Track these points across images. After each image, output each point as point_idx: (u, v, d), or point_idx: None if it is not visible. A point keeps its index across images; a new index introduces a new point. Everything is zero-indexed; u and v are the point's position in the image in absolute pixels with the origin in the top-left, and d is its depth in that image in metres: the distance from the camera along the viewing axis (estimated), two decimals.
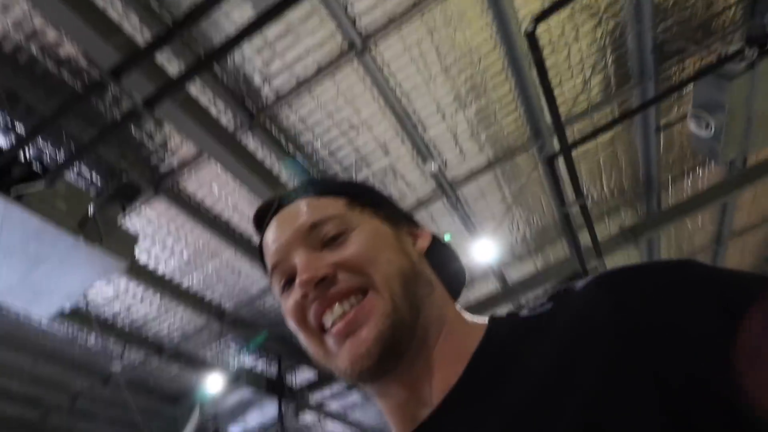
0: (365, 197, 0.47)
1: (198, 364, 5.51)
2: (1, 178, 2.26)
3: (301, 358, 5.84)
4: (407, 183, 3.97)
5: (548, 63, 2.63)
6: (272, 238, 0.45)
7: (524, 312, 0.40)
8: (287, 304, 0.42)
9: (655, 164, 4.34)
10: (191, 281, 4.39)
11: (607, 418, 0.27)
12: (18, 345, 4.60)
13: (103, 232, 2.71)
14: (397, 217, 0.48)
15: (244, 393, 5.47)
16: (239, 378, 4.55)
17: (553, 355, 0.32)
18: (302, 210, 0.44)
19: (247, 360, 5.55)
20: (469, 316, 0.44)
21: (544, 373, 0.32)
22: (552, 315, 0.36)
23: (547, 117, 3.54)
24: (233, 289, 4.63)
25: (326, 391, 6.47)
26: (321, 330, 0.39)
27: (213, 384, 4.36)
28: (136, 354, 4.99)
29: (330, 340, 0.38)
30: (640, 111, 3.30)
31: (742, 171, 4.38)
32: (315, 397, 6.16)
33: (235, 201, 3.66)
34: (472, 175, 4.02)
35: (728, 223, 5.43)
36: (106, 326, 4.49)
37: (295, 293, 0.40)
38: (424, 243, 0.47)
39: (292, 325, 0.42)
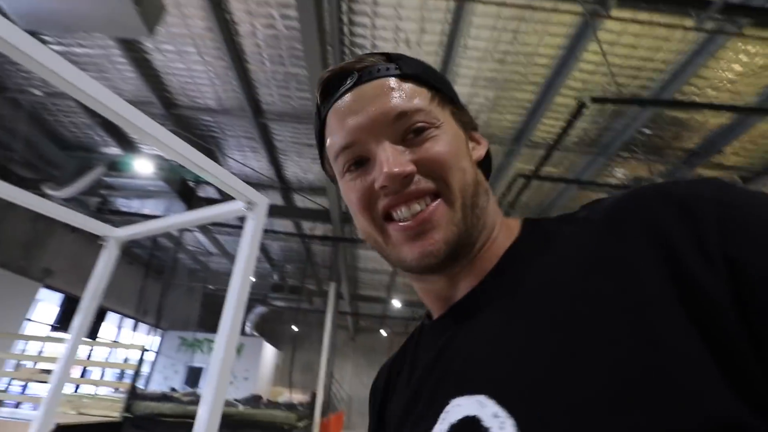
0: (448, 92, 0.44)
1: (114, 132, 5.23)
2: None
3: None
4: None
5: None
6: (348, 114, 0.40)
7: (556, 216, 0.40)
8: (353, 185, 0.41)
9: None
10: (172, 75, 4.09)
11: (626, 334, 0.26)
12: None
13: None
14: (466, 120, 0.45)
15: (145, 182, 5.52)
16: (161, 170, 4.66)
17: (579, 260, 0.32)
18: (388, 92, 0.40)
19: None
20: (506, 219, 0.44)
21: (569, 276, 0.32)
22: (584, 221, 0.35)
23: (530, 138, 4.37)
24: (194, 91, 4.47)
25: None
26: (385, 219, 0.39)
27: (141, 165, 4.38)
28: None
29: (396, 232, 0.38)
30: None
31: None
32: None
33: None
34: None
35: None
36: None
37: (374, 181, 0.39)
38: (481, 151, 0.45)
39: (353, 206, 0.41)
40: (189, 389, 8.00)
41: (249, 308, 12.23)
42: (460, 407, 0.33)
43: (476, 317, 0.37)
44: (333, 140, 0.42)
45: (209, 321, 10.94)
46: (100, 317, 8.63)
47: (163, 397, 3.76)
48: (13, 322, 6.56)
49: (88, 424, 3.25)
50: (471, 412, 0.31)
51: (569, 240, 0.35)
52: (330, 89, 0.44)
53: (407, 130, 0.39)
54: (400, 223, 0.38)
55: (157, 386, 8.78)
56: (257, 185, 6.12)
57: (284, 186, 5.99)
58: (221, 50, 3.83)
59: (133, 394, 3.54)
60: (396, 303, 10.76)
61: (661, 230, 0.29)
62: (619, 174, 4.60)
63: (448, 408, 0.34)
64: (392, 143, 0.39)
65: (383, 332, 14.69)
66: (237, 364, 10.71)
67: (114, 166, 4.78)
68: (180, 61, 4.09)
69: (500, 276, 0.38)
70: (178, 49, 3.94)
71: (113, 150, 5.62)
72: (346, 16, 3.44)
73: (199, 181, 5.20)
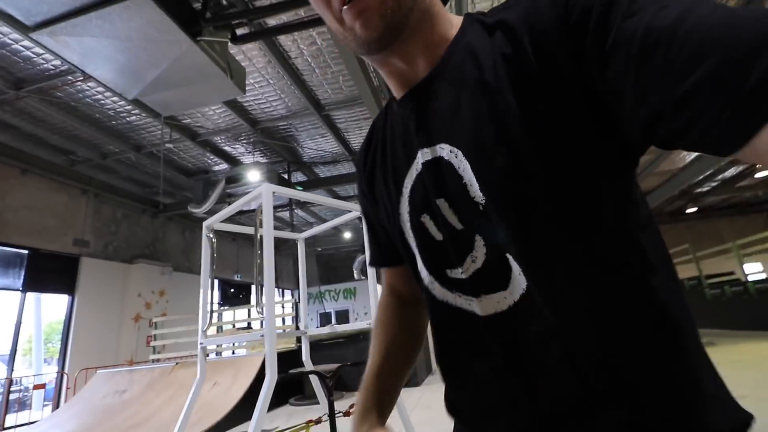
0: None
1: (220, 153, 6.70)
2: (194, 23, 2.96)
3: (299, 166, 7.37)
4: None
5: None
6: None
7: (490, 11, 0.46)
8: None
9: None
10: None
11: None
12: (69, 109, 5.20)
13: (231, 67, 3.59)
14: None
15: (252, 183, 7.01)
16: (263, 172, 6.00)
17: (503, 40, 0.40)
18: None
19: (261, 159, 6.90)
20: (451, 15, 0.50)
21: (496, 55, 0.40)
22: (507, 9, 0.42)
23: None
24: (269, 107, 5.59)
25: (310, 194, 8.35)
26: (340, 9, 0.44)
27: (252, 175, 5.76)
28: (174, 134, 5.96)
29: (347, 17, 0.43)
30: None
31: None
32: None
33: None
34: None
35: None
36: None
37: None
38: None
39: (318, 8, 0.46)
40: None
41: (352, 258, 14.22)
42: (426, 152, 0.46)
43: (430, 95, 0.47)
44: None
45: (324, 276, 13.12)
46: (247, 289, 11.10)
47: None
48: (195, 305, 9.02)
49: (283, 351, 4.95)
50: (436, 154, 0.45)
51: (498, 25, 0.42)
52: None
53: None
54: (348, 9, 0.43)
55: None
56: (333, 162, 7.31)
57: (353, 157, 7.06)
58: (281, 72, 4.82)
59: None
60: None
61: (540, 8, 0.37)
62: None
63: (417, 155, 0.48)
64: None
65: None
66: (356, 304, 12.88)
67: (231, 180, 6.26)
68: (254, 90, 5.18)
69: (445, 63, 0.46)
70: (251, 83, 5.01)
71: (222, 166, 7.17)
72: None
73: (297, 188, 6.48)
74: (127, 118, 5.64)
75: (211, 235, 1.99)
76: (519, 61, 0.38)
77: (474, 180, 0.41)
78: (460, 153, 0.42)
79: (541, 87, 0.37)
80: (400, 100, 0.51)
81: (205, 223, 1.96)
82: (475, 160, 0.41)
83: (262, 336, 1.52)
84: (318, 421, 1.83)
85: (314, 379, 2.36)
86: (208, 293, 1.88)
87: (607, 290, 0.38)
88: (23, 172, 6.13)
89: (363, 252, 13.85)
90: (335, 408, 1.60)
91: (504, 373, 0.42)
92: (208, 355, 1.82)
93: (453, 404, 0.51)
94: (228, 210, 1.91)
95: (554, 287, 0.39)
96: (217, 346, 6.29)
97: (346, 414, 1.77)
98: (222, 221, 2.18)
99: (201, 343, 1.84)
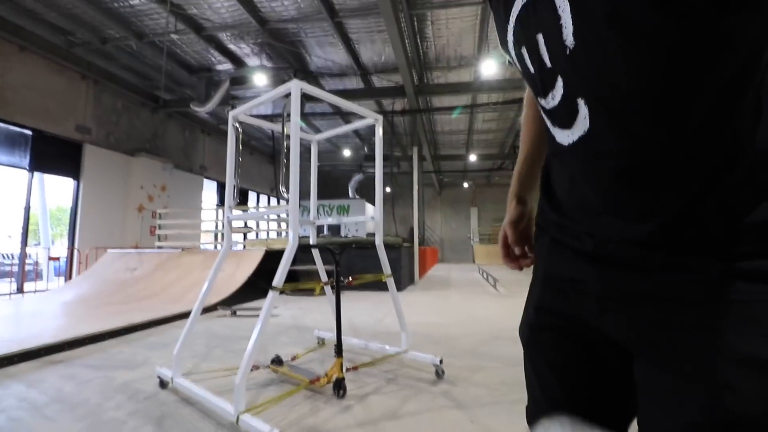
0: None
1: (224, 51, 6.50)
2: None
3: (305, 75, 7.22)
4: None
5: None
6: None
7: None
8: None
9: None
10: None
11: None
12: None
13: None
14: None
15: (256, 90, 6.91)
16: (269, 76, 5.94)
17: None
18: None
19: (267, 63, 6.73)
20: None
21: None
22: None
23: None
24: (279, 6, 5.35)
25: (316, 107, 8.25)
26: None
27: (258, 78, 5.70)
28: (179, 25, 5.74)
29: None
30: None
31: None
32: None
33: None
34: None
35: None
36: None
37: None
38: None
39: None
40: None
41: (348, 177, 14.45)
42: None
43: None
44: None
45: (320, 191, 13.47)
46: (245, 195, 11.45)
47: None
48: (193, 203, 9.40)
49: (279, 250, 5.41)
50: None
51: None
52: None
53: None
54: None
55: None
56: (339, 75, 7.17)
57: (362, 72, 6.92)
58: None
59: None
60: (473, 157, 11.84)
61: None
62: None
63: None
64: None
65: (465, 185, 16.23)
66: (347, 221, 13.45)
67: (235, 81, 6.19)
68: None
69: None
70: None
71: (226, 66, 6.99)
72: None
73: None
74: (131, 2, 5.38)
75: (237, 125, 2.18)
76: None
77: (570, 23, 0.41)
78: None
79: None
80: None
81: (231, 113, 2.12)
82: (576, 2, 0.40)
83: (287, 212, 1.81)
84: (327, 284, 2.23)
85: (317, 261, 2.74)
86: (232, 176, 2.12)
87: (668, 141, 0.39)
88: (21, 49, 5.94)
89: (359, 172, 14.09)
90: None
91: (579, 185, 0.50)
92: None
93: (547, 188, 0.58)
94: (254, 102, 2.06)
95: (611, 136, 0.42)
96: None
97: (348, 283, 2.16)
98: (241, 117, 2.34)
99: (228, 217, 2.14)
